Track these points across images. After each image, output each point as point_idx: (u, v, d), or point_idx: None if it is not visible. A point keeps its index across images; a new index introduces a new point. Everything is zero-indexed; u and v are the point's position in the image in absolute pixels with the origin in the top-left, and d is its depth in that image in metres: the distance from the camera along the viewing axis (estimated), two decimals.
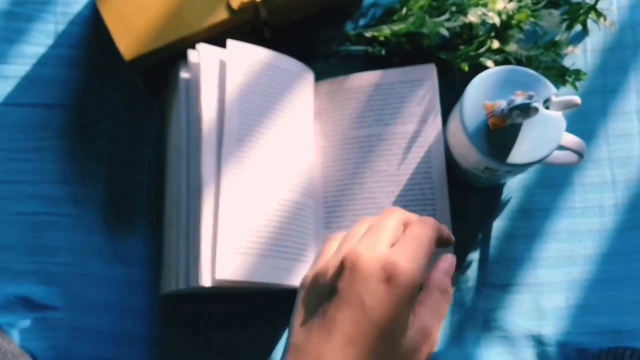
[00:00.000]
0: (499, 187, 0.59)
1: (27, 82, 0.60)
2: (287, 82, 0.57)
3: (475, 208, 0.58)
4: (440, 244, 0.41)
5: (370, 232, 0.39)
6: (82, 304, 0.55)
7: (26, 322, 0.55)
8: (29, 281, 0.56)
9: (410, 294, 0.35)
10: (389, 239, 0.38)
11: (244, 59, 0.54)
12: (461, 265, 0.57)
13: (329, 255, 0.39)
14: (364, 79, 0.59)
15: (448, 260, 0.40)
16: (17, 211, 0.57)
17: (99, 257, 0.57)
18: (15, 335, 0.54)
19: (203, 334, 0.56)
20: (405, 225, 0.41)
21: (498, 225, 0.58)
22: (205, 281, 0.49)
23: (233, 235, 0.51)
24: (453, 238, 0.42)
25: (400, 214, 0.41)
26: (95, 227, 0.57)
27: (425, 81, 0.57)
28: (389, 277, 0.35)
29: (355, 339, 0.34)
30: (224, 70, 0.53)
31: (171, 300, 0.56)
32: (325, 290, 0.36)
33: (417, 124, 0.56)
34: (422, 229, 0.39)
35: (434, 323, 0.36)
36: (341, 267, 0.37)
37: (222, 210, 0.51)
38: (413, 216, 0.41)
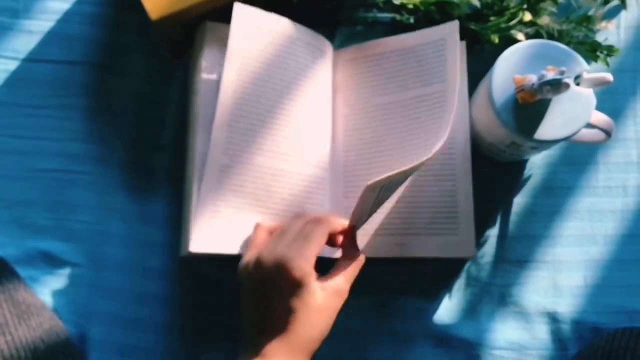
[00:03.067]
0: (522, 163, 0.58)
1: (51, 38, 0.60)
2: (301, 53, 0.56)
3: (497, 183, 0.58)
4: (340, 234, 0.51)
5: (276, 235, 0.49)
6: (101, 262, 0.56)
7: (47, 277, 0.55)
8: (50, 237, 0.56)
9: (304, 278, 0.46)
10: (288, 241, 0.48)
11: (254, 25, 0.54)
12: (480, 240, 0.57)
13: (259, 245, 0.50)
14: (386, 45, 0.58)
15: (349, 232, 0.51)
16: (38, 167, 0.58)
17: (119, 216, 0.57)
18: (37, 289, 0.55)
19: (223, 295, 0.56)
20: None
21: (519, 201, 0.58)
22: (192, 247, 0.51)
23: (225, 206, 0.52)
24: (347, 223, 0.50)
25: (303, 218, 0.50)
26: (116, 186, 0.57)
27: (448, 40, 0.55)
28: (288, 279, 0.46)
29: (284, 316, 0.46)
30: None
31: (192, 261, 0.56)
32: (262, 282, 0.48)
33: (440, 84, 0.55)
34: (313, 226, 0.48)
35: (346, 283, 0.49)
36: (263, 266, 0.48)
37: (208, 182, 0.52)
38: (312, 216, 0.50)
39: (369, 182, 0.46)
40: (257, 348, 0.46)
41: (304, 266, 0.46)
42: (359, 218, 0.51)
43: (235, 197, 0.53)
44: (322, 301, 0.47)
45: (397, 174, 0.47)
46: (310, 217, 0.50)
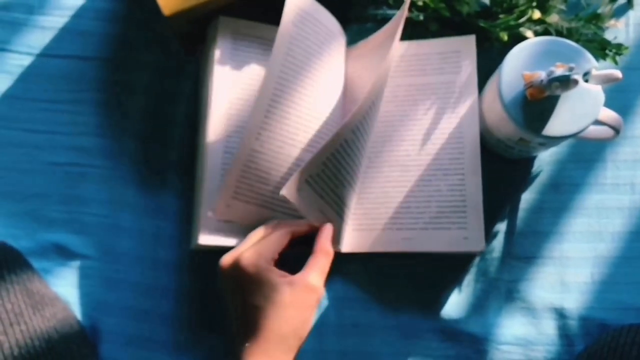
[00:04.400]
0: (530, 160, 0.58)
1: (64, 33, 0.61)
2: (335, 48, 0.55)
3: (505, 179, 0.58)
4: (306, 233, 0.52)
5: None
6: (113, 255, 0.57)
7: (60, 269, 0.56)
8: (62, 229, 0.57)
9: (261, 274, 0.48)
10: (249, 244, 0.50)
11: (303, 13, 0.53)
12: (488, 236, 0.57)
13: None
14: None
15: (326, 228, 0.52)
16: (51, 161, 0.58)
17: (130, 210, 0.58)
18: (50, 281, 0.56)
19: None
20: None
21: (527, 197, 0.58)
22: (201, 240, 0.52)
23: (249, 191, 0.52)
24: (312, 224, 0.52)
25: (268, 225, 0.52)
26: (127, 180, 0.58)
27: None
28: (245, 277, 0.48)
29: (254, 316, 0.47)
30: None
31: (202, 253, 0.57)
32: (228, 284, 0.49)
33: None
34: (273, 229, 0.51)
35: (317, 278, 0.49)
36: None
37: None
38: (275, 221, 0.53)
39: (282, 191, 0.48)
40: (237, 353, 0.47)
41: (257, 262, 0.48)
42: (311, 217, 0.51)
43: (260, 182, 0.52)
44: (291, 297, 0.47)
45: (312, 163, 0.49)
46: (273, 222, 0.52)
